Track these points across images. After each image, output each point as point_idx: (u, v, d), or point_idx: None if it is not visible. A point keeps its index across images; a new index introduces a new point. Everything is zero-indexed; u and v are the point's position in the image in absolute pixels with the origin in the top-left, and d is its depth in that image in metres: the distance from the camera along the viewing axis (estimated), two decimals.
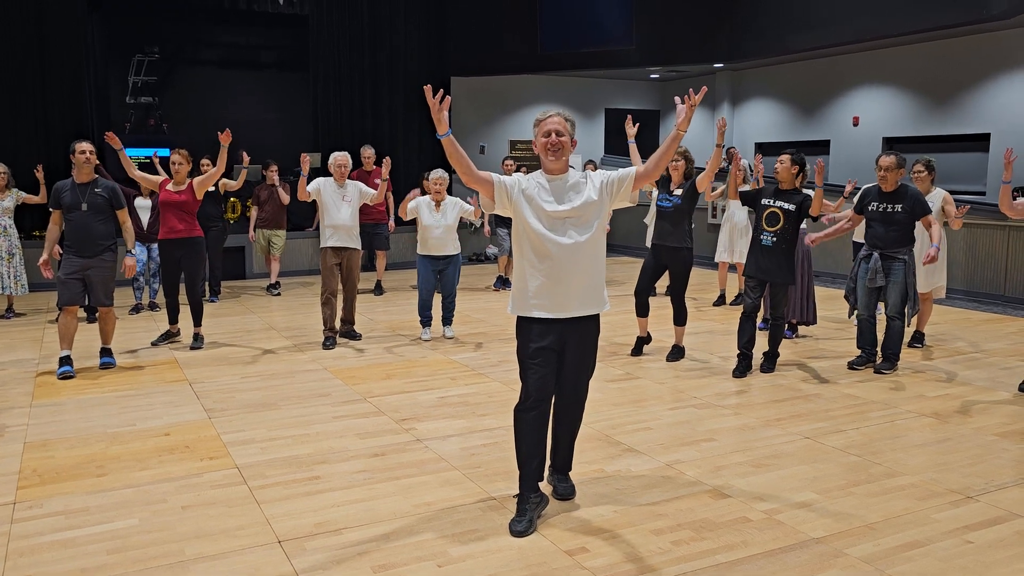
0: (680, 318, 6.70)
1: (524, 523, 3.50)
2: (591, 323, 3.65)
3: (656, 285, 7.38)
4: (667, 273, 6.73)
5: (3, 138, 11.83)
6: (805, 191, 6.11)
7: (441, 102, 3.52)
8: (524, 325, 3.59)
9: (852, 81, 13.88)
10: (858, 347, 6.46)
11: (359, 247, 7.52)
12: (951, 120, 12.43)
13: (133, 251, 6.71)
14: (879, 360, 6.34)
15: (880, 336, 6.40)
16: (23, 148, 11.80)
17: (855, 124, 13.86)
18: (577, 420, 3.87)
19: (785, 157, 6.10)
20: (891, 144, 13.52)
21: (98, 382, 6.01)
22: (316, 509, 3.72)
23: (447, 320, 7.65)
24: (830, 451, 4.50)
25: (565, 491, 3.88)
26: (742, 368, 6.19)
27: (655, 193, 6.78)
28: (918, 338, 7.21)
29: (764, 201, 6.12)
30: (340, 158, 7.41)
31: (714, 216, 13.03)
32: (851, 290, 6.44)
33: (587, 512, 3.69)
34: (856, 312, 6.46)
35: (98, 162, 7.23)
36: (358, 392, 5.72)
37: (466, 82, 15.78)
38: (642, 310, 6.80)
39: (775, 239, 6.01)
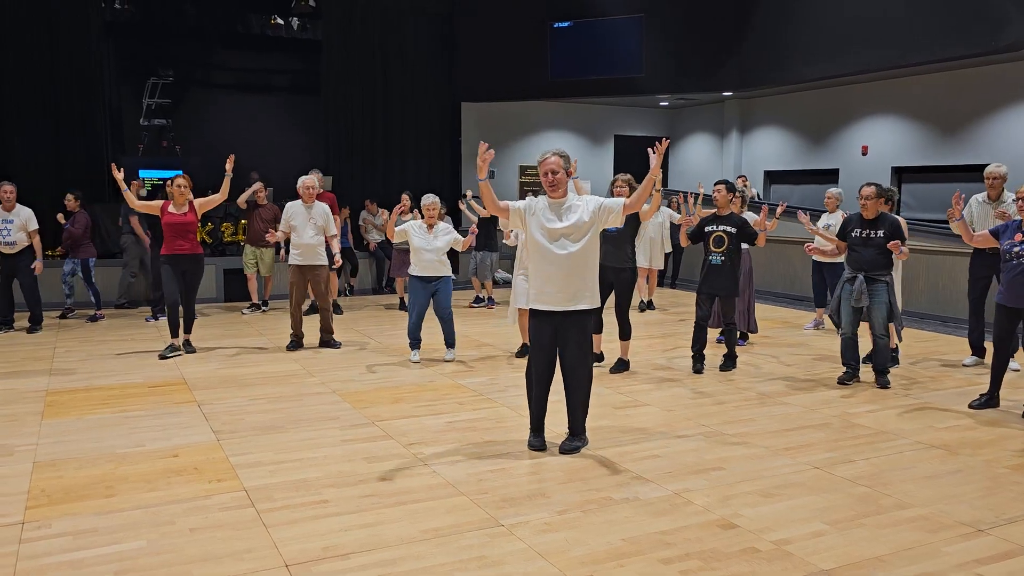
0: (625, 333, 7.14)
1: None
2: (583, 315, 4.74)
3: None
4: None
5: (20, 158, 11.97)
6: (742, 215, 7.22)
7: (486, 152, 4.66)
8: (532, 315, 4.81)
9: (861, 110, 13.96)
10: (843, 364, 6.86)
11: (324, 263, 8.15)
12: (959, 150, 12.47)
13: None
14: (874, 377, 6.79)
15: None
16: (39, 169, 11.94)
17: (864, 153, 13.91)
18: (579, 391, 4.89)
19: (721, 186, 7.17)
20: (900, 173, 13.57)
21: (107, 402, 6.03)
22: (323, 533, 3.72)
23: (449, 343, 7.68)
24: (839, 481, 4.48)
25: (568, 448, 4.89)
26: (699, 367, 7.15)
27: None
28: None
29: (708, 228, 7.12)
30: (308, 181, 8.17)
31: None
32: (835, 310, 6.90)
33: (595, 540, 3.68)
34: (840, 330, 6.86)
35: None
36: (366, 416, 5.72)
37: (476, 108, 15.91)
38: (596, 327, 7.09)
39: (723, 258, 7.03)
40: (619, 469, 4.64)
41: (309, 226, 8.03)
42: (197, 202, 7.77)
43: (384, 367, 7.38)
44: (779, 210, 8.32)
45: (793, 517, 3.97)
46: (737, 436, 5.32)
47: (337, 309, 10.63)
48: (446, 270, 7.55)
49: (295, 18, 14.40)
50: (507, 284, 13.06)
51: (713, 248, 7.07)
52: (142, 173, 13.11)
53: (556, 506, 4.07)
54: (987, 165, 7.57)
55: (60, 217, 9.97)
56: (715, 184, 7.27)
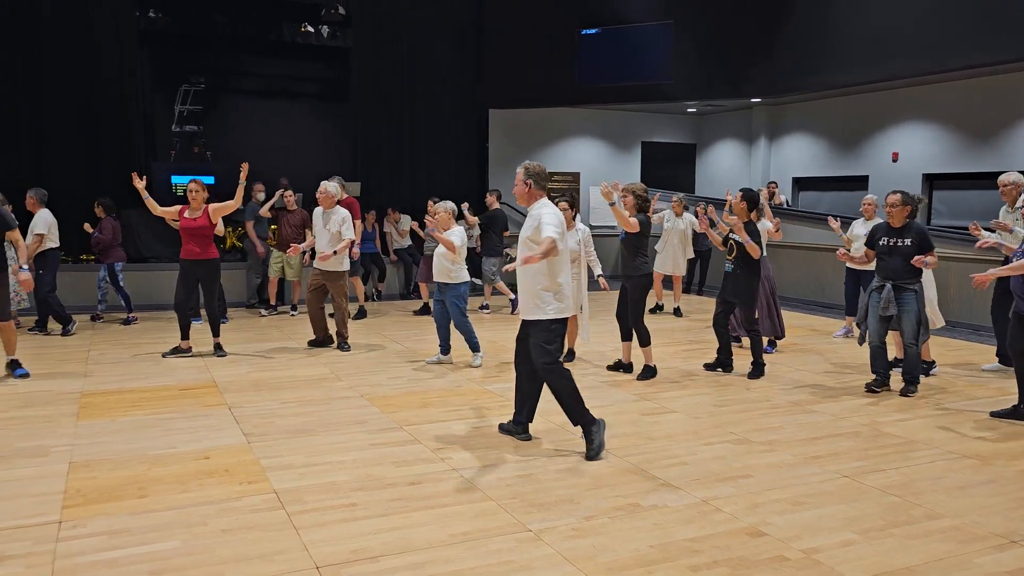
0: (643, 340, 7.18)
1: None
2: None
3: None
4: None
5: (55, 165, 12.20)
6: (759, 223, 7.42)
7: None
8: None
9: (892, 117, 13.82)
10: (872, 371, 6.81)
11: (339, 269, 8.34)
12: (991, 157, 12.30)
13: (25, 266, 7.16)
14: (902, 385, 6.73)
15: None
16: (74, 175, 12.14)
17: (894, 160, 13.77)
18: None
19: (739, 194, 7.30)
20: (931, 180, 13.41)
21: (140, 405, 6.13)
22: (353, 536, 3.75)
23: (471, 348, 7.74)
24: (869, 491, 4.44)
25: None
26: (715, 365, 7.46)
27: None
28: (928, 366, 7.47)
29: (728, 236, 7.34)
30: (322, 187, 8.39)
31: None
32: (863, 319, 6.85)
33: (623, 546, 3.68)
34: (868, 339, 6.79)
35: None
36: (394, 420, 5.76)
37: (503, 114, 15.96)
38: (624, 334, 7.38)
39: (733, 266, 7.19)
40: (646, 476, 4.64)
41: (325, 232, 8.28)
42: (211, 207, 7.92)
43: (412, 372, 7.42)
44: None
45: (822, 526, 3.94)
46: (765, 444, 5.29)
47: (362, 313, 10.70)
48: (451, 276, 7.55)
49: (325, 26, 14.54)
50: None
51: (727, 256, 7.26)
52: (174, 179, 13.30)
53: (584, 512, 4.08)
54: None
55: (87, 226, 10.16)
56: (739, 192, 7.44)
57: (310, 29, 14.54)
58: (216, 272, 8.06)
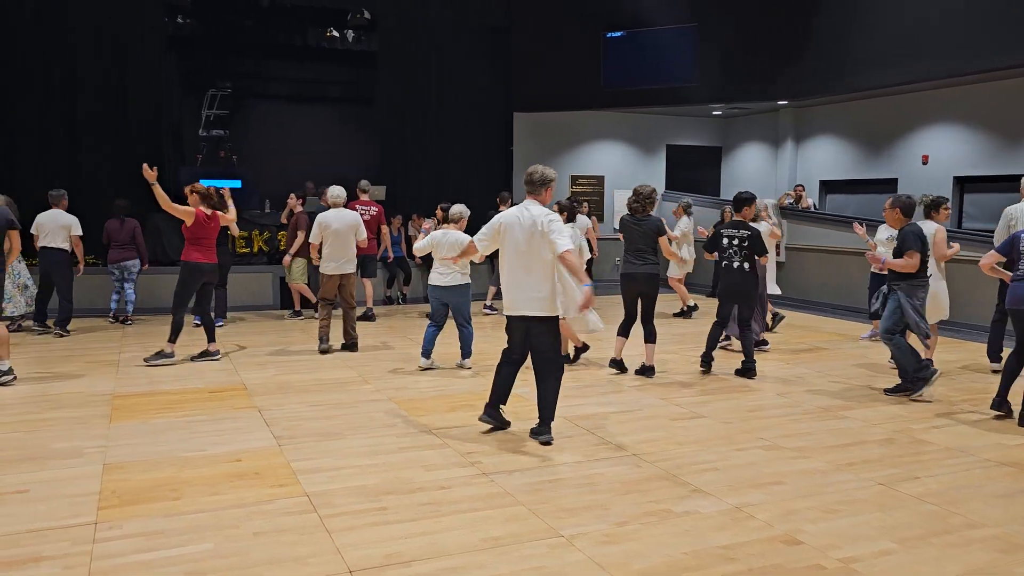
0: (655, 338, 7.41)
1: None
2: None
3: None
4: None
5: (83, 169, 12.34)
6: (754, 224, 7.66)
7: None
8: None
9: (922, 119, 13.64)
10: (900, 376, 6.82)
11: (353, 271, 8.50)
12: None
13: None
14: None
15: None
16: (103, 178, 12.27)
17: (924, 163, 13.60)
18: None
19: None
20: (962, 183, 13.23)
21: (170, 407, 6.17)
22: (385, 540, 3.75)
23: (468, 354, 7.77)
24: (906, 499, 4.37)
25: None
26: (707, 365, 7.56)
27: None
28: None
29: (723, 232, 7.49)
30: (335, 192, 8.50)
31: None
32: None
33: (656, 553, 3.65)
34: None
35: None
36: (423, 424, 5.76)
37: (529, 117, 15.95)
38: (626, 331, 7.54)
39: (739, 265, 7.36)
40: (678, 481, 4.60)
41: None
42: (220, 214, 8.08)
43: (439, 376, 7.42)
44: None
45: (858, 534, 3.89)
46: (796, 450, 5.23)
47: (369, 316, 10.73)
48: (454, 280, 7.55)
49: (351, 30, 14.62)
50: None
51: (733, 257, 7.40)
52: (201, 183, 13.40)
53: (615, 517, 4.05)
54: None
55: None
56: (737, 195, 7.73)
57: (335, 34, 14.63)
58: (216, 276, 8.07)
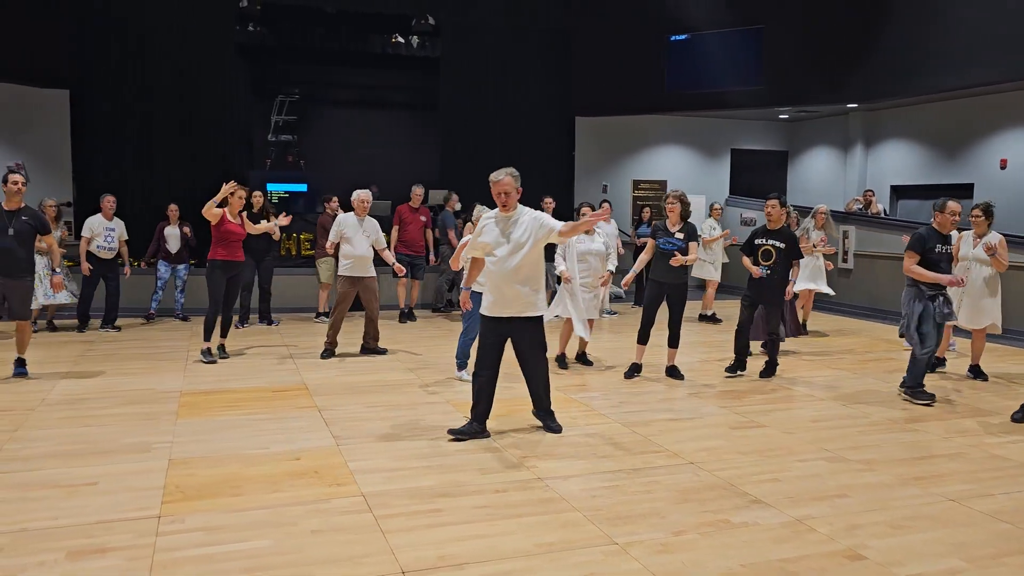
0: (678, 343, 7.46)
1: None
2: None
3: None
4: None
5: (155, 174, 12.76)
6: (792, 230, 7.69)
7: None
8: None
9: (1000, 122, 13.14)
10: (920, 381, 6.69)
11: (374, 274, 8.46)
12: None
13: (58, 270, 7.54)
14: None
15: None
16: (173, 184, 12.66)
17: (1003, 167, 13.10)
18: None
19: (774, 202, 7.35)
20: None
21: (235, 405, 6.32)
22: (439, 542, 3.76)
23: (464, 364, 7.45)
24: (977, 516, 4.20)
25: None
26: (734, 368, 7.53)
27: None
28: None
29: (757, 241, 7.44)
30: (363, 195, 8.48)
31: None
32: (919, 329, 6.60)
33: (713, 564, 3.58)
34: (926, 350, 6.61)
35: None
36: None
37: (590, 122, 15.90)
38: (645, 337, 7.50)
39: (769, 271, 7.29)
40: (736, 491, 4.51)
41: (362, 239, 8.33)
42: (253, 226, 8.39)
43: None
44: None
45: (926, 551, 3.75)
46: (862, 462, 5.08)
47: (411, 315, 10.94)
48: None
49: (415, 36, 14.80)
50: (618, 299, 12.96)
51: (762, 261, 7.37)
52: (269, 187, 13.75)
53: (671, 526, 3.99)
54: None
55: (186, 230, 10.61)
56: (768, 199, 7.48)
57: (400, 40, 14.84)
58: (242, 276, 8.38)
